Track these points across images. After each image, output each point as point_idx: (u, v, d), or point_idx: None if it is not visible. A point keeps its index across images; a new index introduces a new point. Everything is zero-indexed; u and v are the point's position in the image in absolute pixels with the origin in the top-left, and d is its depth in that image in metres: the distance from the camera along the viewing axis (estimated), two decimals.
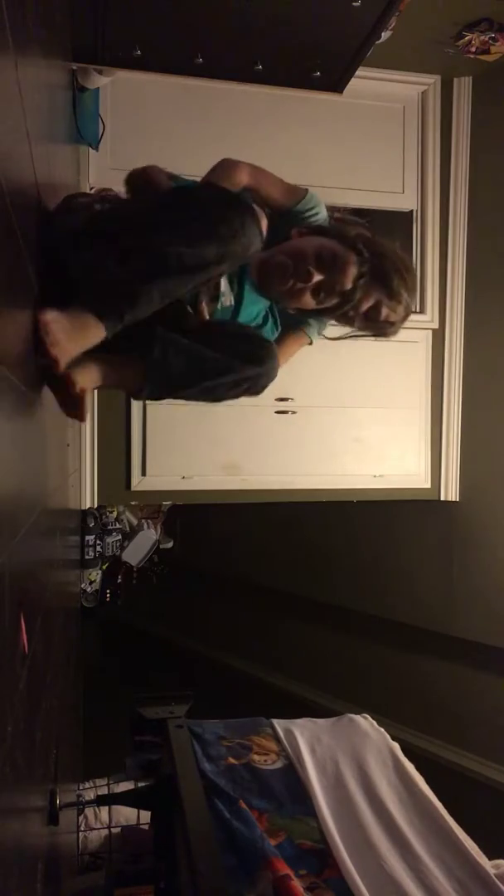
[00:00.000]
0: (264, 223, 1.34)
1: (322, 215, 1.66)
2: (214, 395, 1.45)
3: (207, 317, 1.47)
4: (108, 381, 1.38)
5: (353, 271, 1.49)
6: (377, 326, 1.62)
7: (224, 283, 1.50)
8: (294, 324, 1.70)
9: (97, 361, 1.31)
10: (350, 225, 1.65)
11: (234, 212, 1.27)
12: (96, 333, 1.20)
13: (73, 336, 1.16)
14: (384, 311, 1.57)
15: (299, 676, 4.67)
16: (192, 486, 3.55)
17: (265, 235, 1.35)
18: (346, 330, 1.68)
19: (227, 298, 1.52)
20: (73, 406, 1.27)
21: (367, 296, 1.54)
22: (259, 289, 1.55)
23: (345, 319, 1.62)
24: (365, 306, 1.55)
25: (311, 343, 1.75)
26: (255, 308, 1.58)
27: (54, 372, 1.17)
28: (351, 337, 1.70)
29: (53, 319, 1.12)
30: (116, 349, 1.28)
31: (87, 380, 1.29)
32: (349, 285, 1.50)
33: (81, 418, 1.30)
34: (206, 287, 1.43)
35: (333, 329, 1.72)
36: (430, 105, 3.75)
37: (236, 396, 1.48)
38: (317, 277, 1.49)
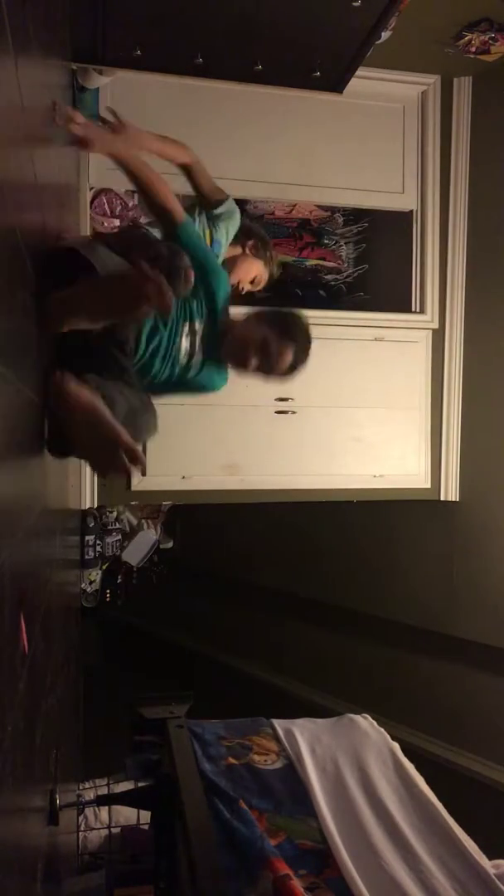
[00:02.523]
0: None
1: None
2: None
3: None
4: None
5: (288, 359, 1.86)
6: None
7: (195, 343, 1.83)
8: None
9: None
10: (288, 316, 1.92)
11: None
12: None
13: None
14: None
15: (299, 676, 4.66)
16: (192, 486, 3.54)
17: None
18: None
19: (190, 357, 1.85)
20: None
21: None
22: (218, 355, 1.89)
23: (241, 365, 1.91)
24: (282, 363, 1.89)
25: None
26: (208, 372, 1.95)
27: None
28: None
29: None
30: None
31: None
32: (283, 369, 1.88)
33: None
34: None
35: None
36: (430, 105, 3.74)
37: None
38: (254, 364, 1.85)
